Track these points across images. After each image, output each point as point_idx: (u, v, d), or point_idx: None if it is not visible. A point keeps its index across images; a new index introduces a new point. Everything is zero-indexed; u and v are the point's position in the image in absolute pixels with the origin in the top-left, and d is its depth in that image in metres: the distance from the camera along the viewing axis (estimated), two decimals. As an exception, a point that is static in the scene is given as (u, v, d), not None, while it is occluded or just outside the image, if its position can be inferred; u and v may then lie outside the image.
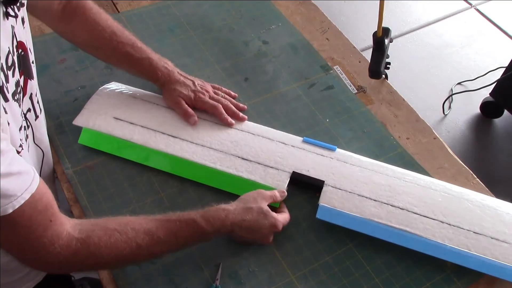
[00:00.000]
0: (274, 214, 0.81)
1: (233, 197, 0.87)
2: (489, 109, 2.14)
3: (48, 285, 0.86)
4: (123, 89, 1.01)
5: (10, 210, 0.58)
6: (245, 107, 1.01)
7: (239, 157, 0.91)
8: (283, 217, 0.82)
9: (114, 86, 1.02)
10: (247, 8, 1.23)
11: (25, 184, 0.60)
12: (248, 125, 0.97)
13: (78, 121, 0.95)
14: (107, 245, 0.67)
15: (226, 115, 0.95)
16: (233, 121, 0.95)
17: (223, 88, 1.02)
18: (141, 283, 0.78)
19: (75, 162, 0.92)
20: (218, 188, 0.89)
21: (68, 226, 0.66)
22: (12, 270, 0.78)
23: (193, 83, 0.97)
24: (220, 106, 0.95)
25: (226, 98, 0.99)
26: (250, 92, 1.06)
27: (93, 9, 0.92)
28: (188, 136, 0.93)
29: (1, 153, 0.56)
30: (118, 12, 1.20)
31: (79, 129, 0.94)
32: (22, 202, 0.59)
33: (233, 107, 0.97)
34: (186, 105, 0.95)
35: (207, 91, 0.97)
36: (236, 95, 1.03)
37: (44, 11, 0.89)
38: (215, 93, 0.99)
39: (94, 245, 0.67)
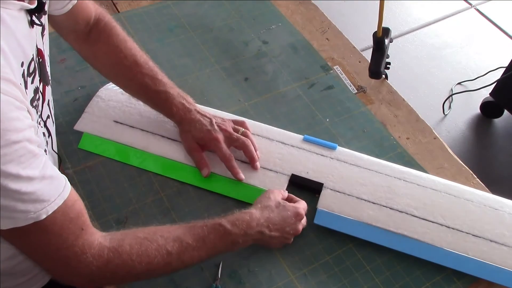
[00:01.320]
0: (292, 203, 0.81)
1: (233, 198, 0.87)
2: (489, 109, 2.14)
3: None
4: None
5: (44, 216, 0.57)
6: (258, 156, 0.91)
7: (237, 159, 0.91)
8: (301, 205, 0.82)
9: (114, 86, 1.02)
10: (247, 8, 1.23)
11: (58, 189, 0.59)
12: (248, 124, 0.97)
13: (79, 126, 0.95)
14: (138, 253, 0.67)
15: (237, 169, 0.88)
16: (243, 176, 0.88)
17: (246, 123, 0.94)
18: (141, 283, 0.78)
19: (75, 162, 0.92)
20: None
21: (99, 236, 0.66)
22: (17, 273, 0.77)
23: (211, 122, 0.89)
24: (233, 159, 0.88)
25: (247, 136, 0.91)
26: (250, 92, 1.06)
27: (120, 35, 0.90)
28: None
29: (35, 155, 0.56)
30: (118, 12, 1.20)
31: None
32: (56, 208, 0.59)
33: (253, 150, 0.89)
34: (201, 154, 0.89)
35: (225, 131, 0.89)
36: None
37: (69, 31, 0.89)
38: (235, 130, 0.91)
39: (126, 254, 0.66)
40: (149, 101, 0.92)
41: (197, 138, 0.89)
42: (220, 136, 0.88)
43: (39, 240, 0.60)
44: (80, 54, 0.94)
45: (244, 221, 0.75)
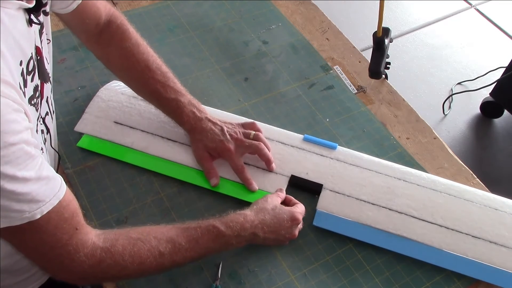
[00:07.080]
0: (289, 207, 0.81)
1: (233, 199, 0.87)
2: (489, 109, 2.14)
3: (52, 286, 0.86)
4: (124, 89, 1.01)
5: (38, 216, 0.58)
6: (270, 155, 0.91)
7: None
8: (298, 209, 0.82)
9: (115, 86, 1.02)
10: (247, 8, 1.23)
11: (53, 190, 0.60)
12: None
13: (79, 127, 0.95)
14: (130, 254, 0.67)
15: (251, 180, 0.87)
16: (256, 187, 0.87)
17: (256, 124, 0.93)
18: (141, 283, 0.78)
19: (75, 162, 0.92)
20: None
21: (93, 235, 0.67)
22: (17, 270, 0.78)
23: (222, 130, 0.88)
24: (246, 170, 0.88)
25: (259, 139, 0.90)
26: (250, 92, 1.06)
27: (132, 39, 0.89)
28: (187, 140, 0.93)
29: (32, 157, 0.57)
30: (118, 12, 1.20)
31: (79, 129, 0.94)
32: (51, 208, 0.59)
33: (268, 153, 0.89)
34: (211, 164, 0.88)
35: (236, 139, 0.88)
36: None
37: (79, 31, 0.89)
38: (245, 135, 0.90)
39: (119, 254, 0.67)
40: (161, 107, 0.92)
41: (209, 148, 0.88)
42: (232, 146, 0.87)
43: (33, 238, 0.61)
44: (94, 54, 0.94)
45: (238, 223, 0.75)
